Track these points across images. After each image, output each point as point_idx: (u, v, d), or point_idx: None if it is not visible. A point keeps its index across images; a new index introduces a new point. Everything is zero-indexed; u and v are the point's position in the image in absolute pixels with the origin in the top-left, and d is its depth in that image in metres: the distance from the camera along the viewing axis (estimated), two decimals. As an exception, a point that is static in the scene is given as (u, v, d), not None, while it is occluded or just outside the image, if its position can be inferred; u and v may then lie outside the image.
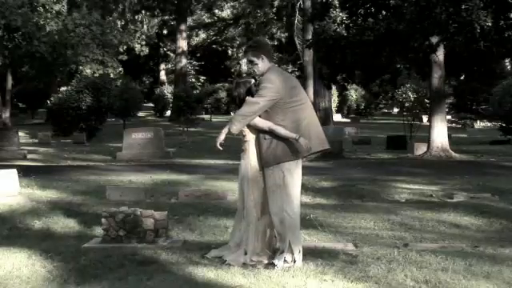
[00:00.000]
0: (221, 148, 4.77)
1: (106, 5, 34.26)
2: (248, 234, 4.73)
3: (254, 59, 4.73)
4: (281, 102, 4.63)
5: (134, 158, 16.12)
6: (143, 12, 43.66)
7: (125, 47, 28.97)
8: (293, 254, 4.61)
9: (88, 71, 26.37)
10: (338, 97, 43.39)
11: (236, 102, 4.82)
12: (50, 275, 4.50)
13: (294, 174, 4.69)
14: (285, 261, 4.58)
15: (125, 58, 30.11)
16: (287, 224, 4.63)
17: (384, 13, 16.12)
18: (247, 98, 4.68)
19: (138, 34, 26.12)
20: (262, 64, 4.73)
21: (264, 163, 4.68)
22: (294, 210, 4.67)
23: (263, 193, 4.74)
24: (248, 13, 42.30)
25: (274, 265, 4.60)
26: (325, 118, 29.74)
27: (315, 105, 30.89)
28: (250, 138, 4.74)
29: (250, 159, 4.73)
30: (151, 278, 4.34)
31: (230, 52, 51.48)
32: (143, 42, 26.31)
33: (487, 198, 8.77)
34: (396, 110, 38.66)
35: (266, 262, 4.69)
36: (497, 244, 5.63)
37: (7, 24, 20.83)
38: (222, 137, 4.71)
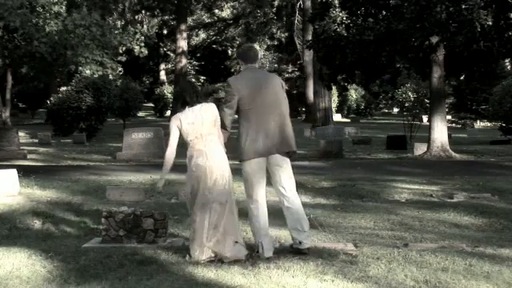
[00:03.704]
0: None
1: (105, 5, 34.20)
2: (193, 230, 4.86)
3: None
4: (241, 103, 4.83)
5: (133, 157, 16.11)
6: (143, 12, 43.65)
7: (124, 48, 29.01)
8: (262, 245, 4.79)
9: (88, 72, 26.39)
10: (338, 97, 43.41)
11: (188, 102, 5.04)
12: (50, 275, 4.50)
13: (253, 172, 4.87)
14: (257, 251, 4.81)
15: (124, 58, 30.18)
16: (249, 215, 4.95)
17: (384, 13, 16.10)
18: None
19: (137, 36, 26.12)
20: (240, 67, 5.08)
21: None
22: (257, 203, 4.87)
23: (201, 187, 4.85)
24: (248, 13, 42.29)
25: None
26: (325, 118, 29.70)
27: (315, 105, 30.88)
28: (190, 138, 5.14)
29: (188, 159, 5.08)
30: (151, 277, 4.33)
31: (229, 52, 51.49)
32: (142, 44, 26.30)
33: (487, 198, 8.78)
34: (396, 109, 38.70)
35: (212, 256, 4.73)
36: (497, 244, 5.62)
37: (6, 25, 20.81)
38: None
